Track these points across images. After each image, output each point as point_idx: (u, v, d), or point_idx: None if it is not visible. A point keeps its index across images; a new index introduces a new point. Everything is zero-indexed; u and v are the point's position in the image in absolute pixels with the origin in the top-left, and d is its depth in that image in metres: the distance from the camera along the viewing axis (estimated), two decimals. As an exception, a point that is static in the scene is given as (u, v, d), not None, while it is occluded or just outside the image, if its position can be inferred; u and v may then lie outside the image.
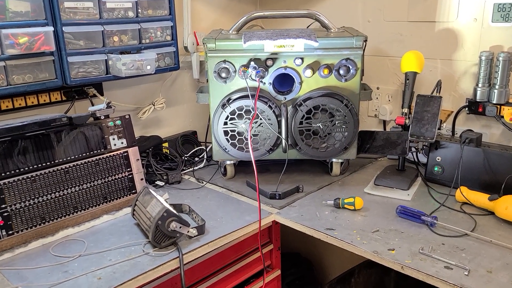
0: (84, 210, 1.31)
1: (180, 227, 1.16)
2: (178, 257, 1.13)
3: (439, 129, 1.42)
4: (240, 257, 1.43)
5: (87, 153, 1.32)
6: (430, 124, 1.41)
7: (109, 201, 1.37)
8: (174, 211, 1.17)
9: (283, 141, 1.49)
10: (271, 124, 1.47)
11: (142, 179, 1.44)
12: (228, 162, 1.59)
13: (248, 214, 1.36)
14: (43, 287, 1.01)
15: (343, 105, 1.44)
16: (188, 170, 1.73)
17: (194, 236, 1.20)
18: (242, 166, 1.68)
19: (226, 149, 1.51)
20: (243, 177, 1.63)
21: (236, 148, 1.50)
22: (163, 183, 1.59)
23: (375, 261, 1.13)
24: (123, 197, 1.40)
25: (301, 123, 1.47)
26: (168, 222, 1.14)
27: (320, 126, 1.47)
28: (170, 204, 1.32)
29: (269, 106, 1.46)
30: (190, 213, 1.36)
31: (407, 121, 1.46)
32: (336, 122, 1.47)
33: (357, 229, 1.25)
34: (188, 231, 1.18)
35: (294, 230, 1.32)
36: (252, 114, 1.46)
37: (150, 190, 1.29)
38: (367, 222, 1.29)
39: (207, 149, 1.83)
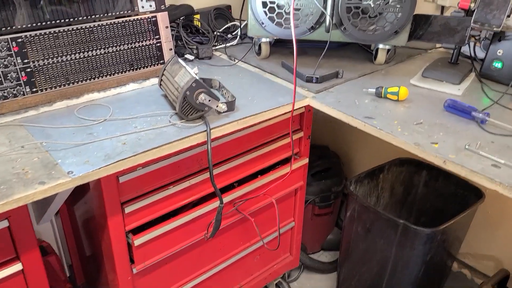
0: (110, 75, 1.25)
1: (209, 100, 1.09)
2: (205, 130, 1.07)
3: (508, 16, 1.23)
4: (269, 141, 1.38)
5: (113, 13, 1.21)
6: (499, 10, 1.23)
7: (136, 69, 1.29)
8: (204, 84, 1.08)
9: (327, 18, 1.34)
10: (316, -3, 1.31)
11: (171, 49, 1.35)
12: (263, 40, 1.46)
13: (281, 95, 1.27)
14: (68, 146, 0.99)
15: (401, -20, 1.25)
16: (220, 46, 1.62)
17: (223, 112, 1.13)
18: (278, 47, 1.56)
19: (263, 23, 1.38)
20: (278, 58, 1.51)
21: (274, 23, 1.36)
22: (193, 57, 1.49)
23: (415, 154, 1.05)
24: (150, 66, 1.32)
25: (350, -2, 1.30)
26: (196, 93, 1.07)
27: (371, 4, 1.30)
28: (200, 78, 1.24)
29: (316, -24, 1.29)
30: (220, 88, 1.28)
31: (472, 4, 1.27)
32: (390, 1, 1.30)
33: (398, 119, 1.15)
34: (217, 106, 1.11)
35: (324, 122, 1.23)
36: (295, -16, 1.29)
37: (179, 60, 1.20)
38: (410, 113, 1.18)
39: (242, 26, 1.69)
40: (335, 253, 2.10)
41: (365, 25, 1.34)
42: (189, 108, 1.09)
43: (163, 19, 1.30)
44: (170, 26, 1.45)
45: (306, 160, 1.52)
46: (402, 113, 1.18)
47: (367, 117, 1.16)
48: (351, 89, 1.32)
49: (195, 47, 1.53)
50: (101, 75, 1.23)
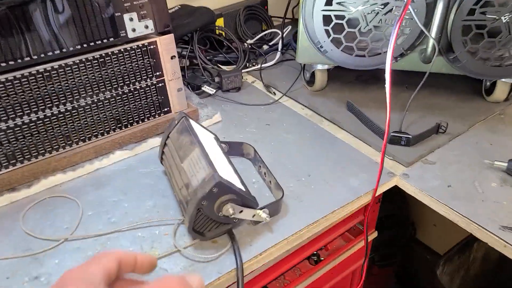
0: (84, 141, 0.79)
1: (241, 212, 0.63)
2: (234, 269, 0.62)
3: None
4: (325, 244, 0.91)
5: (86, 44, 0.74)
6: None
7: (125, 127, 0.83)
8: (230, 180, 0.62)
9: (431, 42, 0.83)
10: (416, 10, 0.80)
11: (180, 90, 0.88)
12: (319, 67, 0.97)
13: (352, 171, 0.79)
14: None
15: None
16: (252, 69, 1.13)
17: (264, 221, 0.67)
18: (336, 69, 1.07)
19: (322, 47, 0.88)
20: (339, 90, 1.02)
21: (341, 48, 0.87)
22: (214, 90, 1.01)
23: None
24: (148, 120, 0.86)
25: (471, 12, 0.79)
26: (219, 204, 0.61)
27: (507, 21, 0.78)
28: (224, 143, 0.78)
29: (415, -25, 0.77)
30: (255, 161, 0.81)
31: None
32: (539, 16, 0.78)
33: None
34: (253, 215, 0.65)
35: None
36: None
37: (190, 122, 0.73)
38: None
39: (284, 33, 1.19)
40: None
41: (489, 52, 0.83)
42: (205, 222, 0.63)
43: (167, 45, 0.82)
44: (180, 41, 0.98)
45: (374, 234, 1.06)
46: None
47: (507, 227, 0.68)
48: (463, 156, 0.83)
49: (216, 73, 1.05)
50: (68, 142, 0.78)
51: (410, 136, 0.84)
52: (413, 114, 0.93)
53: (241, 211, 0.63)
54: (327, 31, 0.86)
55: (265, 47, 1.21)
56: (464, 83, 1.03)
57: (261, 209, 0.65)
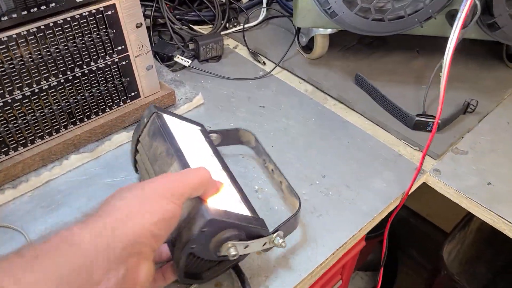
0: (23, 147, 0.59)
1: (247, 247, 0.46)
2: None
3: None
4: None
5: (15, 13, 0.51)
6: None
7: (80, 122, 0.63)
8: (226, 209, 0.44)
9: (467, 3, 0.67)
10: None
11: (150, 67, 0.67)
12: (321, 31, 0.79)
13: (374, 165, 0.65)
14: None
15: None
16: (233, 30, 0.92)
17: (279, 247, 0.51)
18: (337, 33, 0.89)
19: (329, 9, 0.69)
20: (341, 58, 0.85)
21: (355, 9, 0.68)
22: (189, 61, 0.81)
23: None
24: (111, 110, 0.66)
25: (523, -34, 0.62)
26: (215, 244, 0.44)
27: None
28: (216, 133, 0.61)
29: None
30: (258, 153, 0.63)
31: None
32: None
33: None
34: (264, 244, 0.48)
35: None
36: None
37: (164, 119, 0.53)
38: None
39: (267, -15, 0.98)
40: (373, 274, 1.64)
41: (534, 14, 0.68)
42: (201, 263, 0.47)
43: (130, 9, 0.61)
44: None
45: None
46: None
47: None
48: (497, 143, 0.70)
49: (189, 38, 0.84)
50: (4, 150, 0.57)
51: (440, 121, 0.69)
52: (430, 88, 0.78)
53: (247, 246, 0.46)
54: (339, -12, 0.66)
55: (245, 0, 1.00)
56: (482, 46, 0.89)
57: (274, 232, 0.49)
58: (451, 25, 0.69)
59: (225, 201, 0.46)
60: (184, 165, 0.47)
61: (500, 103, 0.78)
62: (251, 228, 0.46)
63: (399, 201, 0.62)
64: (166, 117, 0.55)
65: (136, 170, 0.58)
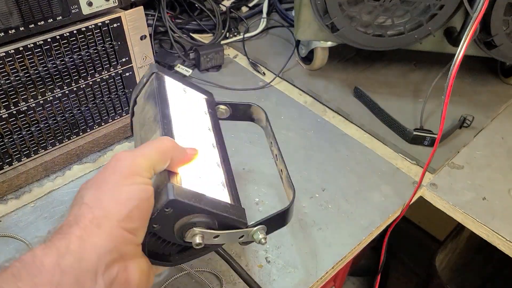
0: (26, 157, 0.59)
1: (217, 237, 0.40)
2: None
3: None
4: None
5: (23, 27, 0.52)
6: None
7: (83, 132, 0.63)
8: (198, 191, 0.39)
9: (471, 23, 0.68)
10: (459, -16, 0.64)
11: (152, 78, 0.68)
12: (322, 44, 0.80)
13: (372, 179, 0.66)
14: None
15: None
16: (232, 40, 0.93)
17: (259, 243, 0.43)
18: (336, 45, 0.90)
19: (331, 24, 0.70)
20: (341, 70, 0.86)
21: (356, 25, 0.70)
22: (190, 71, 0.82)
23: None
24: (113, 121, 0.66)
25: (520, -13, 0.64)
26: (179, 228, 0.39)
27: (560, -1, 0.65)
28: (226, 106, 0.55)
29: None
30: (267, 134, 0.55)
31: None
32: None
33: None
34: (241, 237, 0.42)
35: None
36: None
37: (164, 80, 0.49)
38: None
39: (267, -5, 0.99)
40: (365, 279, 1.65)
41: (529, 34, 0.70)
42: (167, 246, 0.41)
43: (135, 22, 0.61)
44: (147, 9, 0.78)
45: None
46: None
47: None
48: (492, 158, 0.72)
49: (190, 47, 0.85)
50: (8, 160, 0.57)
51: (435, 135, 0.71)
52: (427, 102, 0.79)
53: (217, 236, 0.40)
54: (340, 5, 0.68)
55: (245, 9, 1.01)
56: (478, 62, 0.91)
57: (255, 226, 0.42)
58: (449, 41, 0.71)
59: (206, 181, 0.41)
60: (166, 134, 0.42)
61: (495, 118, 0.80)
62: (226, 217, 0.40)
63: (397, 215, 0.64)
64: (168, 79, 0.49)
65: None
